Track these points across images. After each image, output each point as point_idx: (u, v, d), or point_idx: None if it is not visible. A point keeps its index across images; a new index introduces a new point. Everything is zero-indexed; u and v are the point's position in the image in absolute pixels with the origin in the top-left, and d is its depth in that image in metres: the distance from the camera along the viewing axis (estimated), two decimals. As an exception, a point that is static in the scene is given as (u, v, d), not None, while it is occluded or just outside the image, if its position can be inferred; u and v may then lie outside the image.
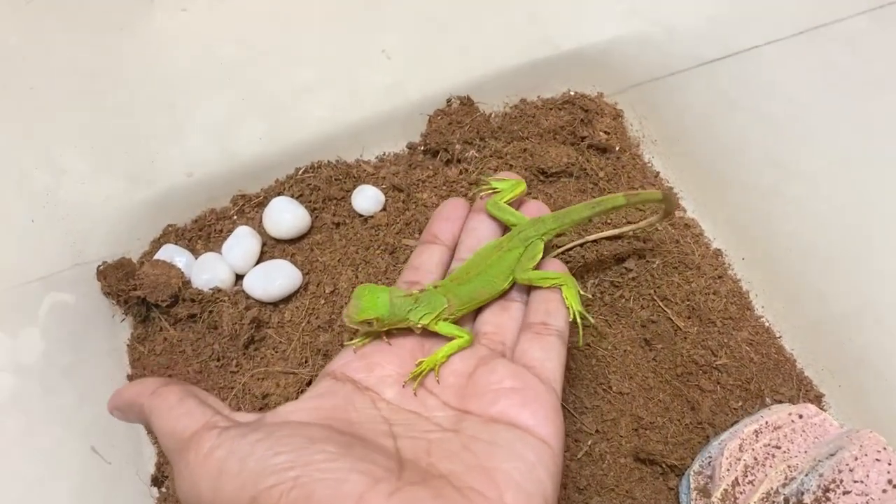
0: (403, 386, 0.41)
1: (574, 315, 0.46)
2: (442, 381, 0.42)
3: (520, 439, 0.37)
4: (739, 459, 0.52)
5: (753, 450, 0.52)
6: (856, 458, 0.48)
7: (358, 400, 0.40)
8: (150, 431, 0.58)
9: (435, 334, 0.44)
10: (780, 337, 0.63)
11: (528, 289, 0.48)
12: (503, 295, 0.48)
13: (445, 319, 0.44)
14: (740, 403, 0.59)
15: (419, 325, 0.44)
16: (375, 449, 0.35)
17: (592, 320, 0.51)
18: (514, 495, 0.34)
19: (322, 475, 0.31)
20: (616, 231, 0.65)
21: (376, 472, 0.32)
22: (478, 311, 0.48)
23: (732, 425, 0.56)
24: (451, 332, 0.44)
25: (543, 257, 0.49)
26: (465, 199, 0.54)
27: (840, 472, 0.48)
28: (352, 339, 0.45)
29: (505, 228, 0.51)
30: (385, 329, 0.44)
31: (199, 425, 0.34)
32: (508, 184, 0.51)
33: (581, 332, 0.48)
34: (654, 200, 0.56)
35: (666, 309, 0.62)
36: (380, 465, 0.33)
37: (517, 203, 0.52)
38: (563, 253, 0.64)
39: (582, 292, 0.48)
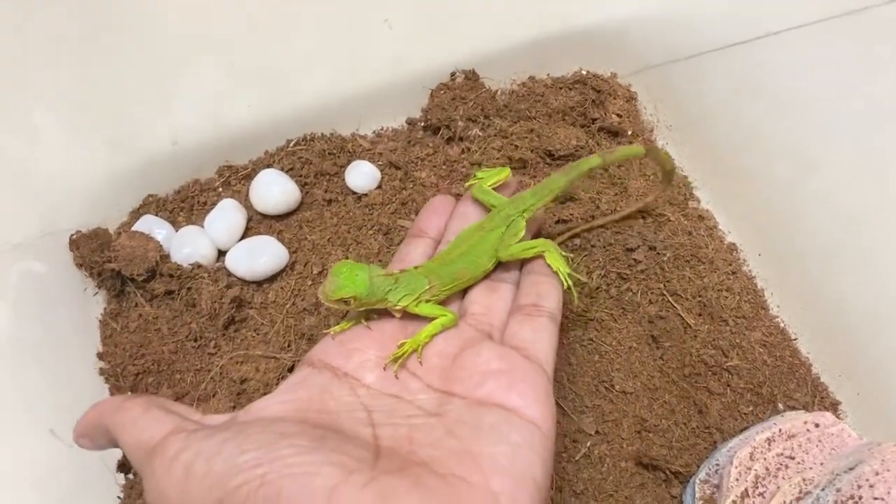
0: (384, 368, 0.40)
1: (564, 279, 0.46)
2: (425, 363, 0.40)
3: (506, 421, 0.36)
4: (750, 469, 0.48)
5: (765, 459, 0.49)
6: (877, 474, 0.45)
7: (336, 388, 0.38)
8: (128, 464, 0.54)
9: (418, 318, 0.43)
10: (795, 339, 0.60)
11: (519, 270, 0.47)
12: (488, 275, 0.47)
13: (428, 301, 0.43)
14: (751, 408, 0.55)
15: (398, 307, 0.42)
16: (351, 439, 0.34)
17: (584, 279, 0.52)
18: (500, 480, 0.32)
19: (290, 470, 0.30)
20: (623, 213, 0.61)
21: (349, 463, 0.31)
22: (464, 291, 0.47)
23: (742, 431, 0.53)
24: (433, 313, 0.42)
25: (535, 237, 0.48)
26: (452, 196, 0.54)
27: (860, 487, 0.44)
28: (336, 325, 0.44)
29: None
30: (363, 309, 0.42)
31: (166, 432, 0.33)
32: (493, 171, 0.53)
33: (574, 294, 0.48)
34: (635, 156, 0.53)
35: (675, 304, 0.59)
36: (353, 456, 0.31)
37: (505, 191, 0.52)
38: (569, 238, 0.60)
39: (567, 258, 0.48)
